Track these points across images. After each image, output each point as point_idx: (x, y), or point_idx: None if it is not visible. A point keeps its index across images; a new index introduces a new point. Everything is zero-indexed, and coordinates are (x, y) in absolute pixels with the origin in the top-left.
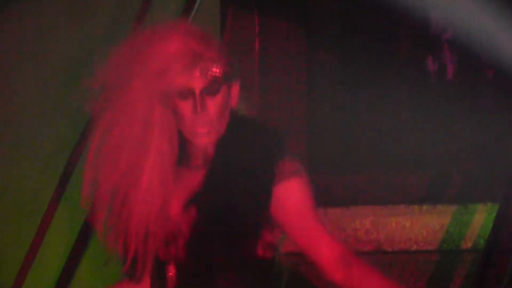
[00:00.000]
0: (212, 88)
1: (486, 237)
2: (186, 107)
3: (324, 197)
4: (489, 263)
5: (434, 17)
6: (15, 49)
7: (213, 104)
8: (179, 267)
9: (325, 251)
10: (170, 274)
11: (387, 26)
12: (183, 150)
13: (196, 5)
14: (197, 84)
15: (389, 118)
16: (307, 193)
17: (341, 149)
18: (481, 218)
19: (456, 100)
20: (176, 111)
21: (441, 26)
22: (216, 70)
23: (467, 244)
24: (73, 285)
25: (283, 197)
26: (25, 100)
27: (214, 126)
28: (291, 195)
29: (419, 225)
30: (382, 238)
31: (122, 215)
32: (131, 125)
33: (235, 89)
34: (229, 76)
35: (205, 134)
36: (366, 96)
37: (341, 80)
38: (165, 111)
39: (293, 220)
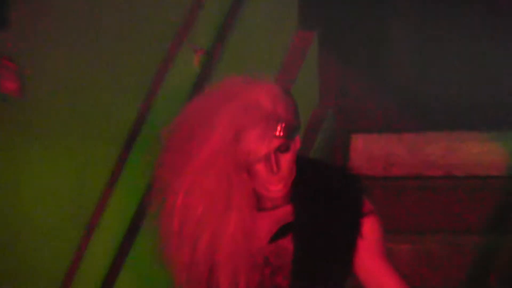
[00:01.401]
0: (284, 147)
1: None
2: (261, 168)
3: (399, 122)
4: None
5: None
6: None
7: (285, 161)
8: None
9: None
10: None
11: None
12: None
13: None
14: (273, 146)
15: (462, 44)
16: (381, 235)
17: (416, 76)
18: None
19: None
20: (252, 171)
21: None
22: (289, 130)
23: None
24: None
25: (365, 234)
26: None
27: (287, 183)
28: (370, 235)
29: (490, 151)
30: (453, 163)
31: (205, 257)
32: (210, 180)
33: (298, 140)
34: (297, 131)
35: (278, 191)
36: (439, 20)
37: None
38: (241, 172)
39: (369, 259)
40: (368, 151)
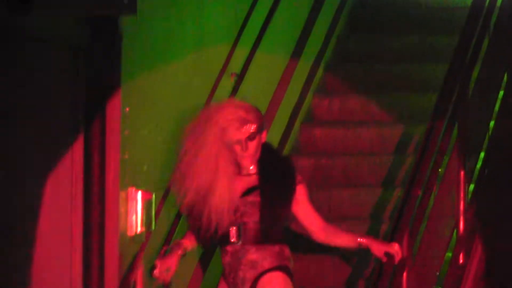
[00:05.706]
0: (251, 137)
1: None
2: (238, 148)
3: None
4: None
5: None
6: None
7: (252, 146)
8: (241, 227)
9: (317, 224)
10: (234, 229)
11: None
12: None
13: None
14: (244, 136)
15: None
16: (308, 193)
17: None
18: None
19: None
20: (233, 150)
21: None
22: (253, 128)
23: None
24: None
25: (297, 195)
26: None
27: (253, 159)
28: (301, 194)
29: None
30: None
31: (206, 204)
32: (207, 158)
33: (264, 135)
34: (261, 129)
35: (248, 163)
36: None
37: None
38: (228, 151)
39: (301, 208)
40: None
